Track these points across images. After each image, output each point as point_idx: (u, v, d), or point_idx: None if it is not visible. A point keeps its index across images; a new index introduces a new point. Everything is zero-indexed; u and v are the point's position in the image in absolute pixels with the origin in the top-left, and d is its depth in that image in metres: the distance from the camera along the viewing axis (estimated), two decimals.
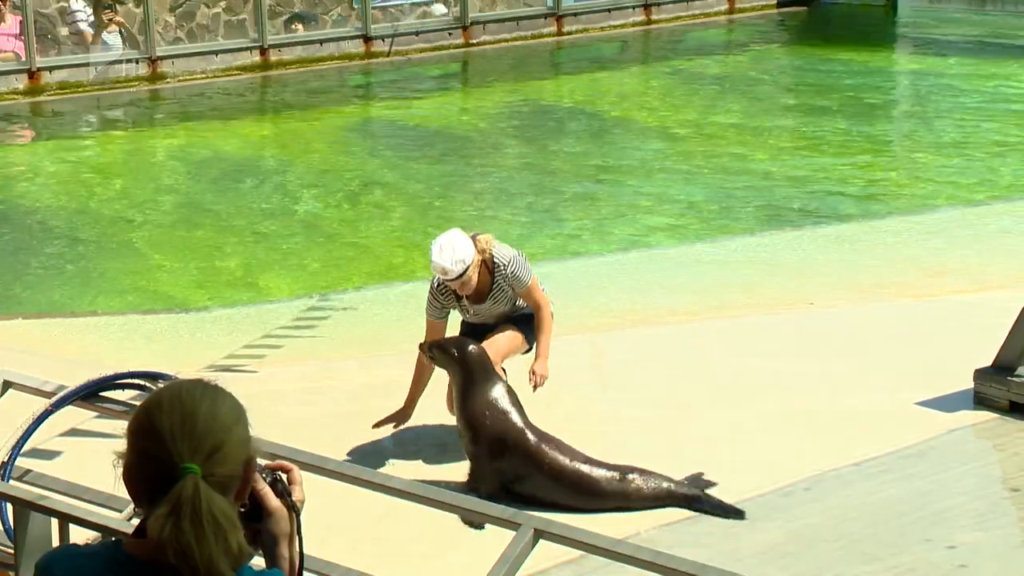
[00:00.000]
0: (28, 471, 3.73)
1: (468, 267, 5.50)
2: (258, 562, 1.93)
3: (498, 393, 5.32)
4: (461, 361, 5.34)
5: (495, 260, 5.63)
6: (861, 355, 6.84)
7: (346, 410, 6.17)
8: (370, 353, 7.22)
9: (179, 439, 1.79)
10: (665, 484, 5.21)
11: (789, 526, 5.02)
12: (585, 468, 5.22)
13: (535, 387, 5.64)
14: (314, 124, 13.03)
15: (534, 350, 5.73)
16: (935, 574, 4.66)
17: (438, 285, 5.67)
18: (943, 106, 13.24)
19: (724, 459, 5.61)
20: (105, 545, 1.90)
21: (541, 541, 3.35)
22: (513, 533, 3.32)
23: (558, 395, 6.15)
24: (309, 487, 4.93)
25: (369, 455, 5.73)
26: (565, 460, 5.24)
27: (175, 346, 7.53)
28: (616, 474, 5.21)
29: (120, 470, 1.84)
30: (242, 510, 1.84)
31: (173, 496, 1.75)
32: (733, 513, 5.08)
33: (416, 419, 5.74)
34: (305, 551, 2.01)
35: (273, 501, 1.93)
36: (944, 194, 10.47)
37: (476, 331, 5.75)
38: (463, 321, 5.85)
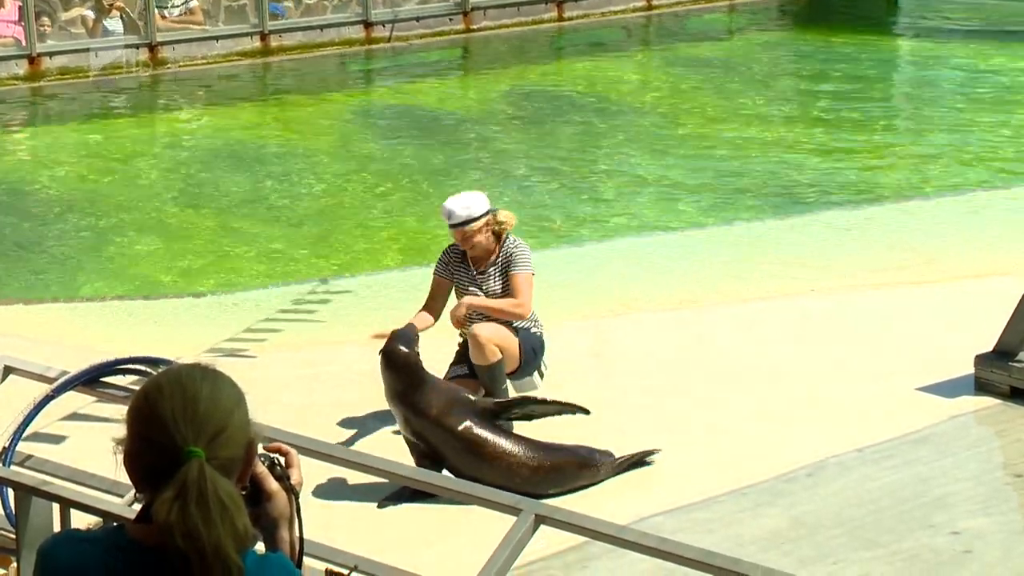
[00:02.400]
0: (29, 456, 3.71)
1: (473, 219, 5.66)
2: (258, 547, 1.91)
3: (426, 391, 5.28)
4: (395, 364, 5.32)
5: (507, 237, 5.78)
6: (862, 341, 6.82)
7: (346, 396, 6.16)
8: (369, 338, 7.21)
9: (181, 423, 1.78)
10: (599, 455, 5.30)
11: (791, 512, 5.01)
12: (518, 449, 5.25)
13: (456, 319, 5.65)
14: (315, 110, 12.99)
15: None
16: (938, 560, 4.65)
17: (451, 246, 5.85)
18: (944, 92, 13.20)
19: (726, 445, 5.59)
20: (107, 530, 1.89)
21: (544, 527, 3.33)
22: (514, 519, 3.30)
23: (559, 382, 6.12)
24: (310, 473, 4.92)
25: (370, 441, 5.71)
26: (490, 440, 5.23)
27: (175, 331, 7.52)
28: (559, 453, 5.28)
29: (120, 456, 1.83)
30: (242, 493, 1.84)
31: (179, 480, 1.75)
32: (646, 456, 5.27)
33: None
34: (305, 536, 2.01)
35: (272, 484, 1.93)
36: (945, 179, 10.43)
37: (462, 355, 5.78)
38: (460, 342, 5.86)
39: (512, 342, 5.74)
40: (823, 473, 5.32)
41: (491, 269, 5.76)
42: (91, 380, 3.80)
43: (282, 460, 1.97)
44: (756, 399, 6.07)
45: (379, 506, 5.15)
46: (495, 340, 5.66)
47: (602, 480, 5.30)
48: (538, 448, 5.30)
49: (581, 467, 5.27)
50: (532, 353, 5.84)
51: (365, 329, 7.47)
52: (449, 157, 11.27)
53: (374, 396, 5.77)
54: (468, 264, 5.79)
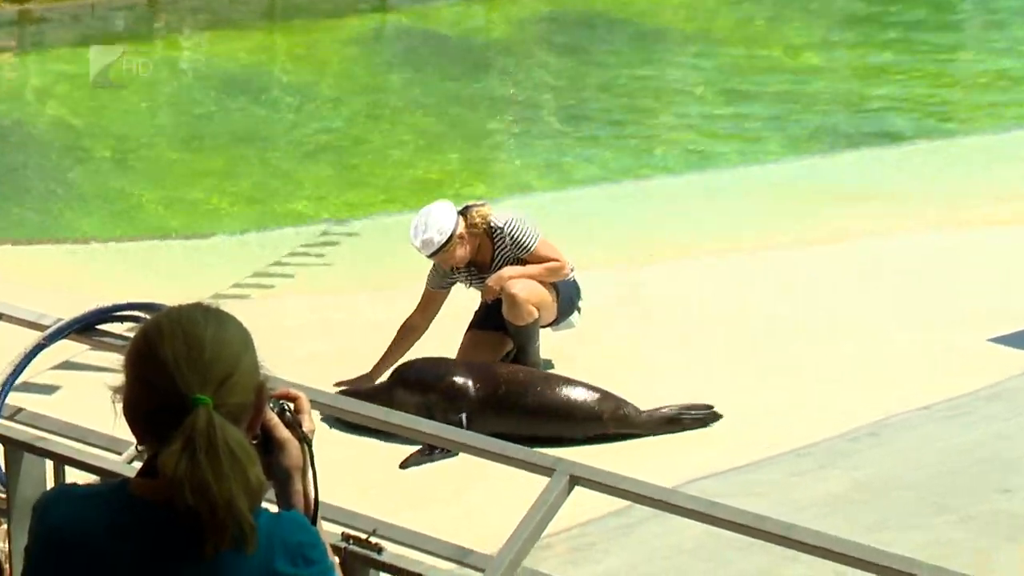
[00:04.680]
0: (20, 410, 3.70)
1: (441, 245, 5.53)
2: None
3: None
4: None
5: (491, 226, 5.62)
6: (928, 288, 6.75)
7: (357, 346, 6.14)
8: (383, 285, 7.21)
9: (185, 369, 1.77)
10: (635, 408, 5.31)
11: (854, 474, 4.99)
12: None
13: (489, 292, 5.58)
14: (325, 35, 12.91)
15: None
16: (1015, 525, 4.61)
17: None
18: (1018, 19, 12.98)
19: (779, 403, 5.55)
20: (109, 485, 1.87)
21: (580, 489, 3.29)
22: (547, 479, 3.26)
23: (589, 333, 6.09)
24: (319, 429, 4.89)
25: None
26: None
27: (176, 275, 7.52)
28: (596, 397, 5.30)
29: (119, 406, 1.82)
30: (253, 443, 1.83)
31: (186, 430, 1.74)
32: (711, 418, 5.27)
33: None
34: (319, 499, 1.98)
35: (283, 432, 1.92)
36: (1018, 113, 10.29)
37: (489, 308, 5.69)
38: (481, 304, 5.81)
39: (549, 297, 5.70)
40: (887, 432, 5.29)
41: (499, 266, 5.65)
42: (86, 328, 3.78)
43: (291, 406, 1.96)
44: (811, 351, 6.02)
45: (401, 466, 5.14)
46: (533, 299, 5.61)
47: (634, 433, 5.26)
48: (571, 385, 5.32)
49: (608, 410, 5.28)
50: (570, 302, 5.83)
51: (377, 275, 7.46)
52: (472, 85, 11.19)
53: (386, 346, 5.74)
54: (470, 271, 5.70)
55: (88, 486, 1.90)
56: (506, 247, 5.65)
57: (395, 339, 5.69)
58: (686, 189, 8.81)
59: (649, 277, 7.17)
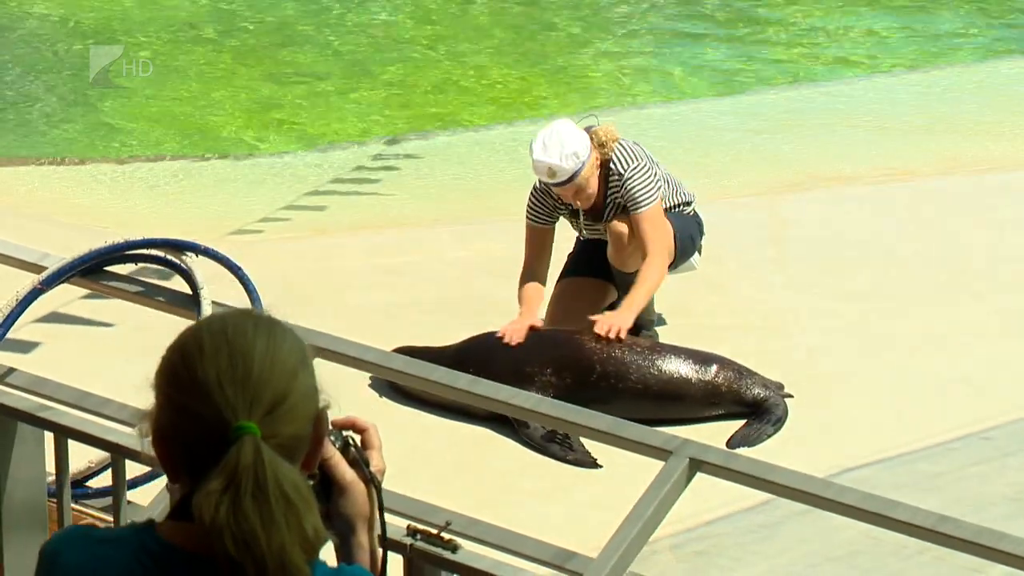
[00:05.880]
0: (11, 370, 3.77)
1: (583, 165, 5.50)
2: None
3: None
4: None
5: (613, 162, 5.59)
6: None
7: (433, 296, 6.17)
8: (461, 218, 7.23)
9: (229, 389, 1.79)
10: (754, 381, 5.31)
11: None
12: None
13: (601, 335, 5.48)
14: None
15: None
16: None
17: (542, 186, 5.67)
18: None
19: (957, 371, 5.51)
20: (134, 529, 1.90)
21: (703, 477, 3.29)
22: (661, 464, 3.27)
23: (724, 279, 6.12)
24: (387, 402, 4.88)
25: None
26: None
27: (202, 203, 7.62)
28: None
29: (147, 440, 1.85)
30: (309, 484, 1.84)
31: (228, 465, 1.75)
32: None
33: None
34: (384, 484, 2.00)
35: (346, 472, 1.95)
36: None
37: (588, 249, 5.67)
38: (577, 240, 5.81)
39: (668, 240, 5.67)
40: None
41: (607, 212, 5.63)
42: (92, 269, 3.84)
43: (357, 439, 1.98)
44: (996, 306, 6.00)
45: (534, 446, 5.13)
46: (658, 239, 5.58)
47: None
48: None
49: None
50: (691, 241, 5.82)
51: (455, 205, 7.48)
52: None
53: (473, 297, 5.77)
54: (569, 208, 5.67)
55: (107, 529, 1.97)
56: (618, 195, 5.62)
57: (526, 296, 5.62)
58: (838, 100, 8.81)
59: (790, 210, 7.17)
